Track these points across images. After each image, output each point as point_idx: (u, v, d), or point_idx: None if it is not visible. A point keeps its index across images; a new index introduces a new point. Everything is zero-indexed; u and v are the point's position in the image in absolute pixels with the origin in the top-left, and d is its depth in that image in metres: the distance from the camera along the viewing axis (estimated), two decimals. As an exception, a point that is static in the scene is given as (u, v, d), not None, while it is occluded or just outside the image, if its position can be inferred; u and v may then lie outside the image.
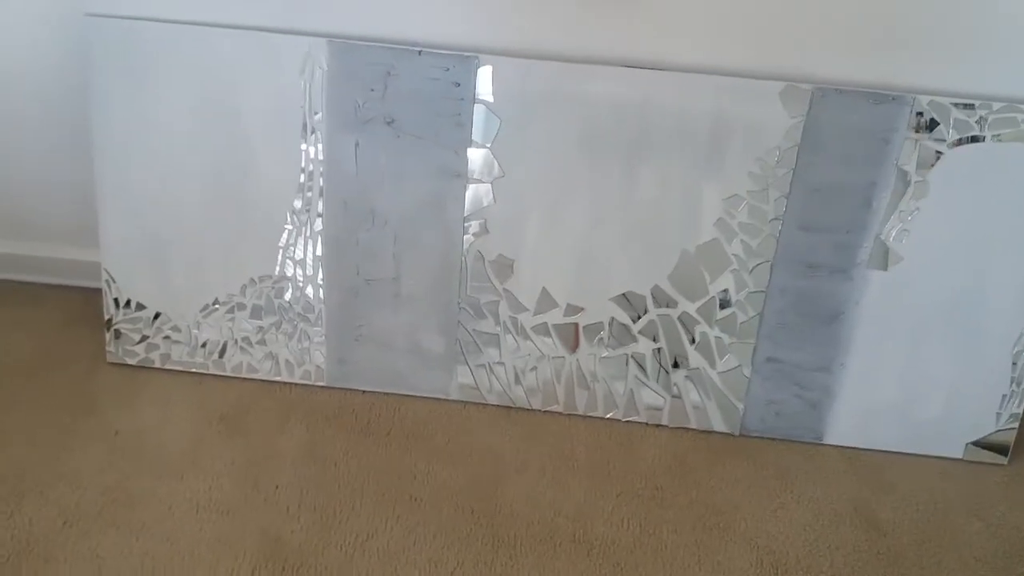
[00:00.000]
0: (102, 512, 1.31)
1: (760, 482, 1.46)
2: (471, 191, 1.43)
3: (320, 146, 1.42)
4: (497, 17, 1.38)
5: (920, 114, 1.34)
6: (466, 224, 1.45)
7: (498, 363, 1.53)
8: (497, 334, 1.51)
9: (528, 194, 1.43)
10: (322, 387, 1.56)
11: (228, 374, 1.56)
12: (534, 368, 1.53)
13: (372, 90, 1.37)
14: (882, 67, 1.37)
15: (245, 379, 1.56)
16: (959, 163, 1.37)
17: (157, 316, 1.54)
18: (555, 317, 1.50)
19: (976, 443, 1.51)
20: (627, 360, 1.51)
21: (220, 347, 1.55)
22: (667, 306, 1.47)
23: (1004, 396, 1.48)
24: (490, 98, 1.38)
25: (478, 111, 1.38)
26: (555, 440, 1.50)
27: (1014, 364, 1.46)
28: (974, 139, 1.35)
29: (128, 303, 1.54)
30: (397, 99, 1.38)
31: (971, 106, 1.34)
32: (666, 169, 1.40)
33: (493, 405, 1.55)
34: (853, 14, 1.35)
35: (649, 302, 1.47)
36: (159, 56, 1.40)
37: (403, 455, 1.45)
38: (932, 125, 1.34)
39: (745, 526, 1.38)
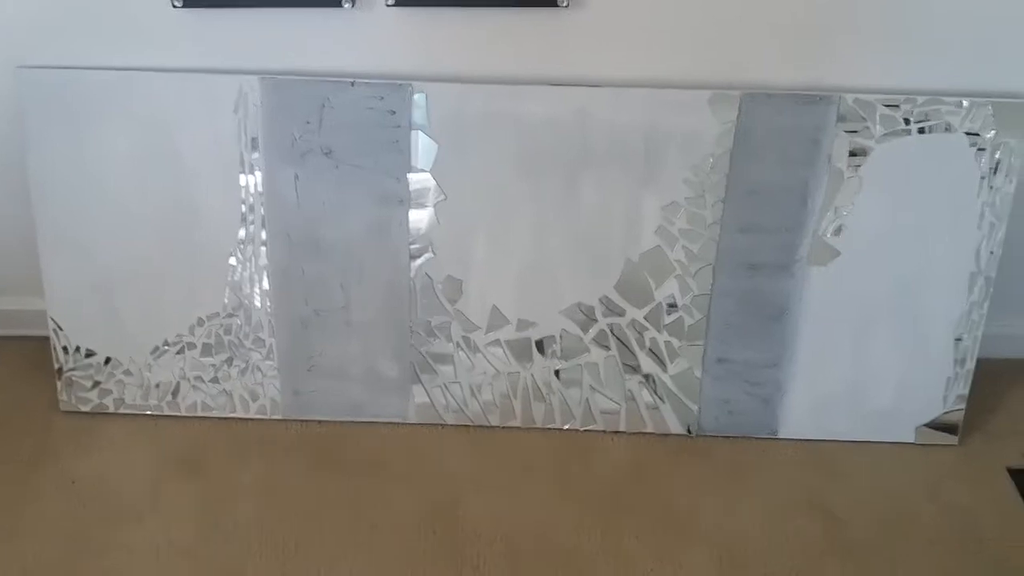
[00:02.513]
0: (63, 562, 1.30)
1: (717, 480, 1.48)
2: (414, 216, 1.44)
3: (260, 181, 1.42)
4: (428, 44, 1.39)
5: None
6: (412, 248, 1.46)
7: (453, 382, 1.54)
8: (451, 354, 1.52)
9: (471, 215, 1.44)
10: (278, 420, 1.55)
11: (183, 414, 1.56)
12: (490, 385, 1.54)
13: (308, 123, 1.37)
14: (807, 69, 1.40)
15: (201, 418, 1.56)
16: (888, 157, 1.40)
17: (108, 361, 1.53)
18: (507, 333, 1.51)
19: (927, 425, 1.55)
20: (581, 370, 1.53)
21: (173, 387, 1.54)
22: (616, 315, 1.50)
23: (949, 379, 1.52)
24: (427, 124, 1.39)
25: (416, 137, 1.39)
26: (514, 455, 1.52)
27: (957, 343, 1.50)
28: (901, 133, 1.39)
29: (78, 349, 1.53)
30: (334, 130, 1.38)
31: (895, 105, 1.37)
32: (605, 182, 1.42)
33: (451, 425, 1.56)
34: (776, 20, 1.37)
35: (598, 312, 1.50)
36: (94, 103, 1.39)
37: (362, 483, 1.45)
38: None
39: (704, 525, 1.40)
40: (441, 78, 1.38)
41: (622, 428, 1.56)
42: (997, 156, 1.40)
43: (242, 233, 1.46)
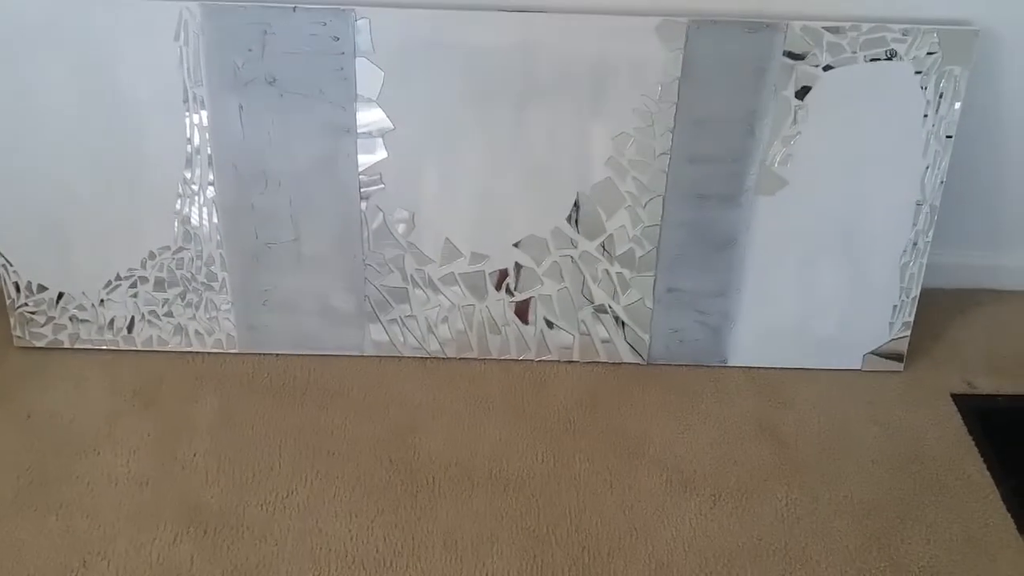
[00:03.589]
0: (18, 496, 1.32)
1: (668, 407, 1.51)
2: (363, 146, 1.43)
3: (204, 112, 1.41)
4: (373, -32, 1.38)
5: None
6: (361, 179, 1.46)
7: (409, 316, 1.55)
8: (405, 288, 1.53)
9: (420, 146, 1.44)
10: (235, 354, 1.56)
11: (139, 348, 1.56)
12: (445, 318, 1.56)
13: (250, 50, 1.36)
14: (754, -4, 1.41)
15: (156, 352, 1.56)
16: (835, 85, 1.41)
17: (60, 296, 1.53)
18: (461, 267, 1.52)
19: (873, 353, 1.59)
20: (535, 302, 1.55)
21: (128, 322, 1.55)
22: (569, 246, 1.51)
23: (895, 306, 1.56)
24: (371, 51, 1.37)
25: (361, 65, 1.38)
26: (470, 385, 1.54)
27: (902, 271, 1.52)
28: (847, 61, 1.40)
29: (29, 286, 1.52)
30: (277, 58, 1.37)
31: (841, 32, 1.38)
32: (555, 111, 1.42)
33: (408, 358, 1.58)
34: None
35: (550, 244, 1.51)
36: (33, 31, 1.36)
37: (319, 413, 1.47)
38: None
39: (654, 449, 1.44)
40: (385, 3, 1.36)
41: (576, 358, 1.58)
42: (942, 84, 1.41)
43: (187, 165, 1.45)
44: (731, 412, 1.51)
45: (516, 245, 1.51)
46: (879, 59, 1.40)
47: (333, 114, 1.41)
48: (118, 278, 1.52)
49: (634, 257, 1.51)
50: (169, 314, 1.54)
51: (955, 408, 1.53)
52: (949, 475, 1.41)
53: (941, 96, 1.42)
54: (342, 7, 1.35)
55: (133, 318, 1.54)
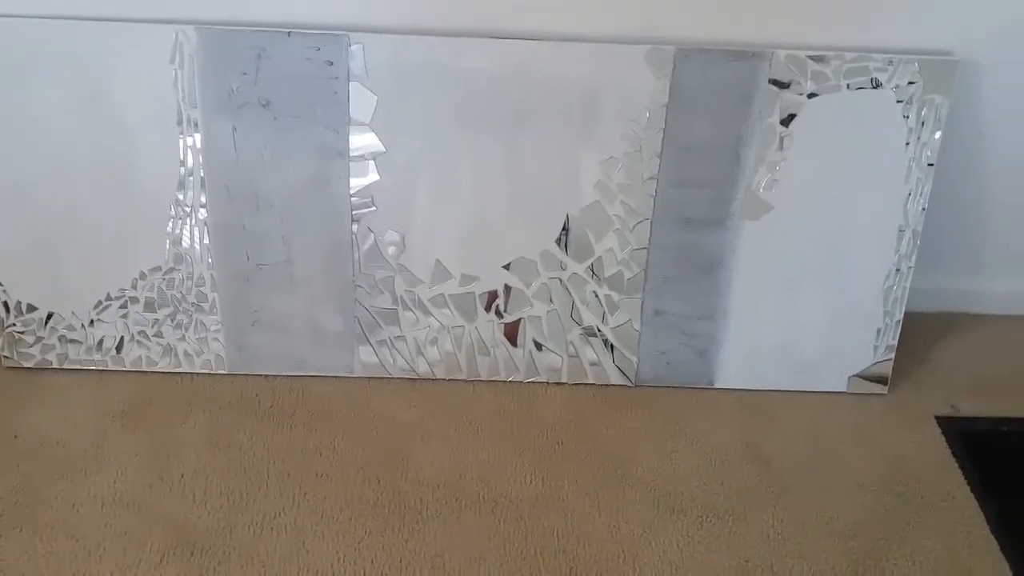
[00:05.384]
0: (3, 516, 1.30)
1: (655, 429, 1.52)
2: (355, 169, 1.45)
3: (198, 133, 1.42)
4: (366, -6, 1.40)
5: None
6: (353, 201, 1.47)
7: (399, 337, 1.56)
8: (395, 309, 1.54)
9: (412, 168, 1.46)
10: (223, 375, 1.56)
11: (128, 369, 1.56)
12: (435, 340, 1.56)
13: (244, 74, 1.37)
14: (741, 26, 1.43)
15: (145, 372, 1.56)
16: (819, 113, 1.44)
17: (50, 316, 1.53)
18: (451, 288, 1.53)
19: (857, 375, 1.61)
20: (524, 324, 1.56)
21: (117, 342, 1.54)
22: (558, 269, 1.53)
23: (879, 330, 1.58)
24: (365, 75, 1.39)
25: (354, 89, 1.40)
26: (459, 407, 1.55)
27: (886, 295, 1.54)
28: (831, 89, 1.42)
29: (19, 305, 1.52)
30: (271, 81, 1.38)
31: (825, 61, 1.41)
32: (545, 136, 1.44)
33: (397, 379, 1.58)
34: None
35: (540, 266, 1.52)
36: (29, 53, 1.37)
37: (308, 434, 1.47)
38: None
39: (642, 472, 1.44)
40: (379, 29, 1.38)
41: (564, 380, 1.59)
42: (923, 113, 1.44)
43: (180, 186, 1.45)
44: (718, 434, 1.52)
45: (506, 267, 1.52)
46: (862, 88, 1.43)
47: (326, 137, 1.42)
48: (108, 298, 1.52)
49: (622, 279, 1.53)
50: (159, 334, 1.54)
51: (939, 430, 1.55)
52: (934, 497, 1.42)
53: (923, 124, 1.45)
54: (336, 32, 1.37)
55: (122, 338, 1.54)
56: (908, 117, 1.44)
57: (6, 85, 1.39)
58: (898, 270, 1.53)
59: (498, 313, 1.55)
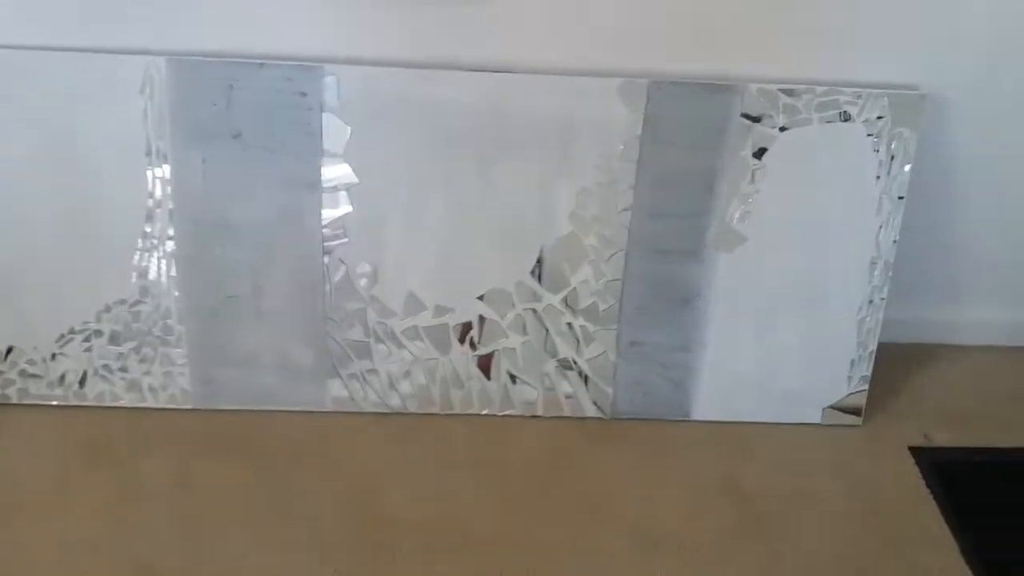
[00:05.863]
0: (-42, 560, 1.26)
1: (632, 463, 1.51)
2: (327, 200, 1.43)
3: (166, 165, 1.40)
4: (341, 25, 1.39)
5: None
6: (324, 233, 1.45)
7: (371, 371, 1.53)
8: (368, 342, 1.52)
9: (385, 200, 1.44)
10: (189, 410, 1.52)
11: (91, 404, 1.52)
12: (407, 372, 1.54)
13: (215, 105, 1.36)
14: (713, 59, 1.44)
15: (109, 408, 1.52)
16: (791, 146, 1.45)
17: (10, 351, 1.48)
18: (424, 320, 1.52)
19: (832, 407, 1.61)
20: (499, 356, 1.54)
21: (80, 377, 1.50)
22: (533, 300, 1.51)
23: (853, 361, 1.58)
24: (338, 107, 1.38)
25: (327, 120, 1.38)
26: (433, 441, 1.52)
27: (859, 327, 1.55)
28: (802, 122, 1.44)
29: (-23, 339, 1.48)
30: (242, 112, 1.37)
31: (797, 95, 1.42)
32: (519, 168, 1.43)
33: (369, 413, 1.55)
34: (683, 10, 1.41)
35: (514, 297, 1.51)
36: (-8, 83, 1.35)
37: (276, 472, 1.43)
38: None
39: (620, 507, 1.42)
40: (353, 61, 1.38)
41: (540, 412, 1.57)
42: (893, 146, 1.46)
43: (148, 218, 1.43)
44: (695, 467, 1.51)
45: (480, 298, 1.51)
46: (833, 121, 1.44)
47: (298, 168, 1.41)
48: (72, 331, 1.48)
49: (597, 311, 1.52)
50: (123, 368, 1.50)
51: (913, 461, 1.54)
52: (909, 529, 1.42)
53: (892, 158, 1.46)
54: (310, 64, 1.36)
55: (86, 373, 1.50)
56: (878, 151, 1.46)
57: (-33, 114, 1.36)
58: (871, 301, 1.54)
59: (472, 345, 1.53)
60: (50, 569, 1.25)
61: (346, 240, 1.45)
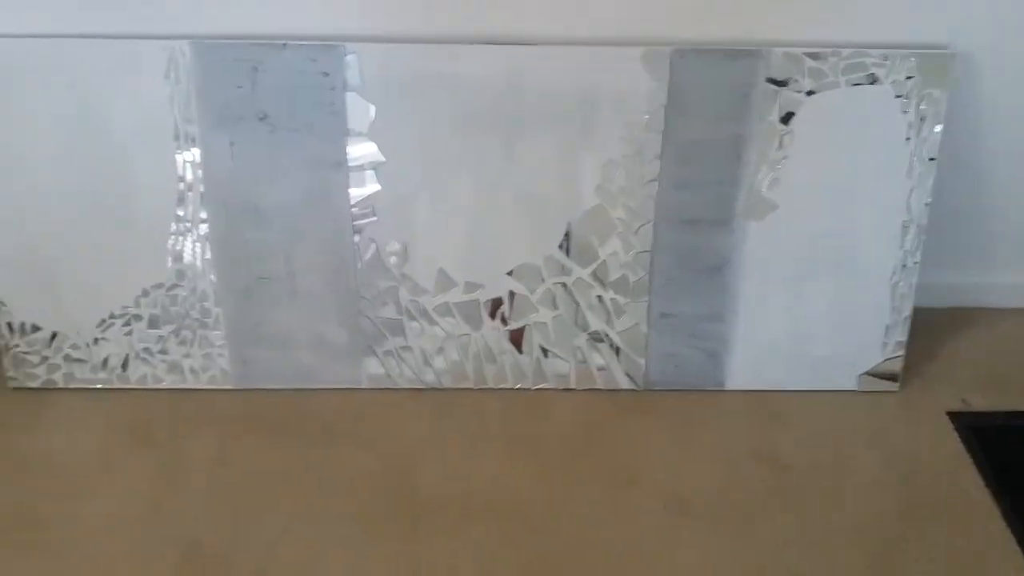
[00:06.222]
0: (14, 536, 1.30)
1: (666, 433, 1.51)
2: (355, 179, 1.45)
3: (195, 148, 1.42)
4: (360, 4, 1.40)
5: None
6: (354, 212, 1.47)
7: (405, 348, 1.55)
8: (400, 319, 1.53)
9: (412, 177, 1.45)
10: (229, 390, 1.56)
11: (133, 386, 1.56)
12: (441, 348, 1.56)
13: (240, 87, 1.38)
14: (736, 24, 1.43)
15: (151, 390, 1.56)
16: (818, 110, 1.43)
17: (55, 336, 1.53)
18: (455, 296, 1.53)
19: (868, 373, 1.59)
20: (530, 330, 1.55)
21: (122, 361, 1.54)
22: (562, 274, 1.52)
23: (887, 326, 1.56)
24: (361, 85, 1.39)
25: (351, 99, 1.39)
26: (468, 415, 1.54)
27: (893, 291, 1.53)
28: (829, 86, 1.42)
29: (23, 326, 1.52)
30: (267, 94, 1.38)
31: (822, 58, 1.40)
32: (543, 141, 1.43)
33: (404, 389, 1.57)
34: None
35: (544, 271, 1.52)
36: (21, 73, 1.38)
37: (315, 447, 1.46)
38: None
39: (653, 477, 1.43)
40: (374, 38, 1.39)
41: (572, 385, 1.58)
42: (922, 107, 1.43)
43: (180, 202, 1.45)
44: (729, 437, 1.51)
45: (509, 274, 1.52)
46: (860, 84, 1.42)
47: (324, 148, 1.42)
48: (112, 316, 1.52)
49: (628, 283, 1.52)
50: (163, 351, 1.54)
51: (951, 426, 1.53)
52: (948, 493, 1.41)
53: (923, 119, 1.44)
54: (331, 43, 1.37)
55: (127, 356, 1.54)
56: (907, 112, 1.43)
57: (0, 105, 1.39)
58: (904, 265, 1.52)
59: (503, 320, 1.54)
60: (100, 546, 1.29)
61: (375, 219, 1.47)
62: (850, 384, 1.60)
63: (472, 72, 1.39)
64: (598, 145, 1.44)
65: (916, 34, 1.45)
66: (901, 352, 1.58)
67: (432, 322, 1.54)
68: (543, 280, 1.52)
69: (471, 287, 1.52)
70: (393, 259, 1.50)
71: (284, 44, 1.36)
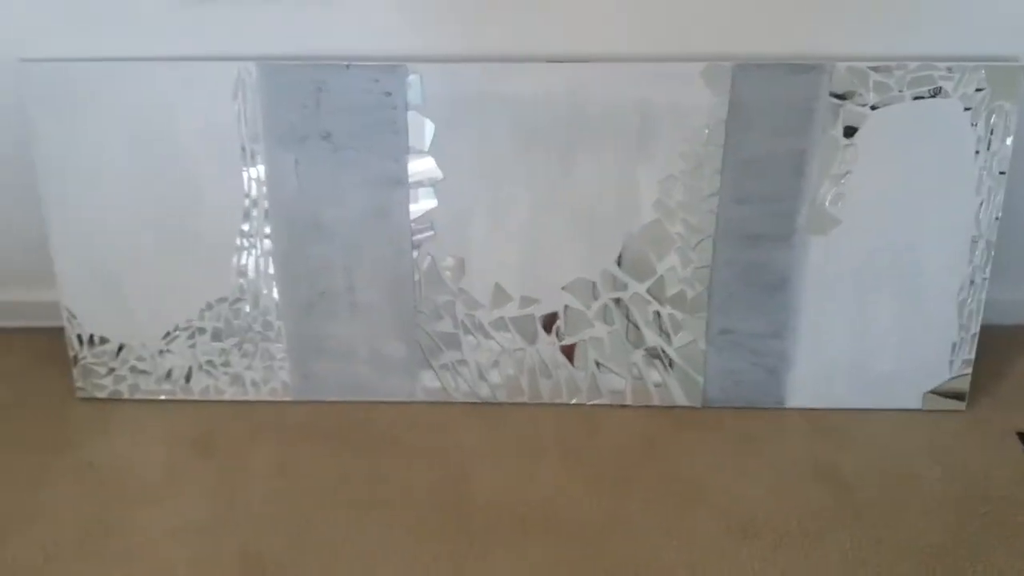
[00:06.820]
0: (82, 544, 1.33)
1: (725, 451, 1.49)
2: (414, 196, 1.46)
3: (261, 166, 1.45)
4: (421, 25, 1.42)
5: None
6: (413, 228, 1.48)
7: (461, 362, 1.56)
8: (457, 333, 1.54)
9: (470, 193, 1.47)
10: (289, 402, 1.58)
11: (196, 398, 1.59)
12: (496, 363, 1.56)
13: (305, 107, 1.40)
14: (798, 38, 1.41)
15: (213, 401, 1.59)
16: (883, 124, 1.41)
17: (121, 348, 1.57)
18: (511, 311, 1.53)
19: (933, 392, 1.55)
20: (585, 346, 1.54)
21: (186, 372, 1.58)
22: (618, 289, 1.51)
23: (954, 344, 1.52)
24: (422, 104, 1.41)
25: (412, 118, 1.41)
26: (523, 430, 1.54)
27: (961, 308, 1.49)
28: (895, 100, 1.39)
29: (92, 338, 1.56)
30: (331, 113, 1.41)
31: (888, 71, 1.38)
32: (601, 157, 1.44)
33: (460, 403, 1.58)
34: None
35: (600, 287, 1.51)
36: (94, 95, 1.42)
37: (373, 460, 1.48)
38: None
39: (713, 495, 1.41)
40: (435, 58, 1.40)
41: (628, 402, 1.57)
42: (992, 120, 1.40)
43: (245, 218, 1.48)
44: (790, 455, 1.48)
45: (564, 288, 1.52)
46: (926, 97, 1.39)
47: (385, 166, 1.44)
48: (176, 329, 1.55)
49: (685, 298, 1.51)
50: (226, 363, 1.57)
51: (1022, 447, 1.48)
52: (1018, 515, 1.36)
53: (992, 132, 1.40)
54: (394, 64, 1.39)
55: (191, 368, 1.57)
56: (976, 125, 1.40)
57: (73, 123, 1.44)
58: (972, 282, 1.48)
59: (558, 335, 1.54)
60: (162, 553, 1.32)
61: (432, 233, 1.48)
62: (915, 403, 1.56)
63: (531, 90, 1.40)
64: (657, 160, 1.43)
65: (985, 46, 1.41)
66: (968, 370, 1.54)
67: (488, 336, 1.54)
68: (599, 295, 1.52)
69: (527, 301, 1.53)
70: (450, 274, 1.51)
71: (348, 65, 1.39)
